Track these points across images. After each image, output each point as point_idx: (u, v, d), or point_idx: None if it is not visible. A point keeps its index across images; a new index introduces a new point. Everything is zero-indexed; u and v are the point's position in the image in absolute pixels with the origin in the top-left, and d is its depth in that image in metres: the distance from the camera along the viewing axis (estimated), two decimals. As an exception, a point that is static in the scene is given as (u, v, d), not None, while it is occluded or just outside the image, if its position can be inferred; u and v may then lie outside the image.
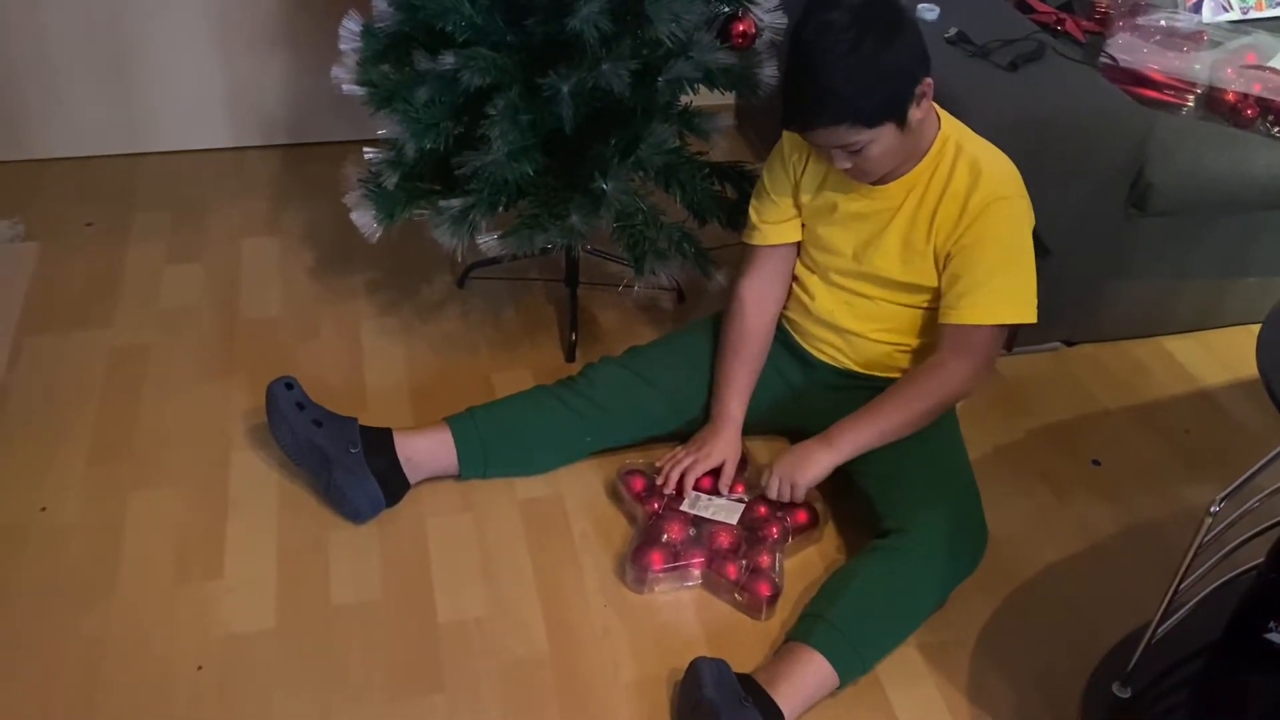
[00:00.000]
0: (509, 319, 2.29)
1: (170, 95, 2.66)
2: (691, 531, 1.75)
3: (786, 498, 1.75)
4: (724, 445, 1.82)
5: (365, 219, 1.94)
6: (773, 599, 1.68)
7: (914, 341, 1.79)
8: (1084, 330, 2.27)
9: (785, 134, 1.78)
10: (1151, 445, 2.07)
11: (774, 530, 1.76)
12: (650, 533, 1.74)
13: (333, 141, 2.78)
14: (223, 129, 2.75)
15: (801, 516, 1.80)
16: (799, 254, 1.85)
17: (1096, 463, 2.02)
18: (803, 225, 1.81)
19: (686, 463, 1.80)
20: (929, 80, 1.56)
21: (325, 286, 2.34)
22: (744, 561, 1.71)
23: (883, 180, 1.67)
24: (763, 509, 1.80)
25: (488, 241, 1.89)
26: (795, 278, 1.85)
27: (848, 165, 1.60)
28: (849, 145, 1.56)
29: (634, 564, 1.71)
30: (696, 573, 1.72)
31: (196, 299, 2.28)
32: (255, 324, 2.22)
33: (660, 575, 1.71)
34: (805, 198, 1.78)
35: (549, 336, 2.25)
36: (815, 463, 1.72)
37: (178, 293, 2.29)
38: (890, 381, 1.77)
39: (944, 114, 1.69)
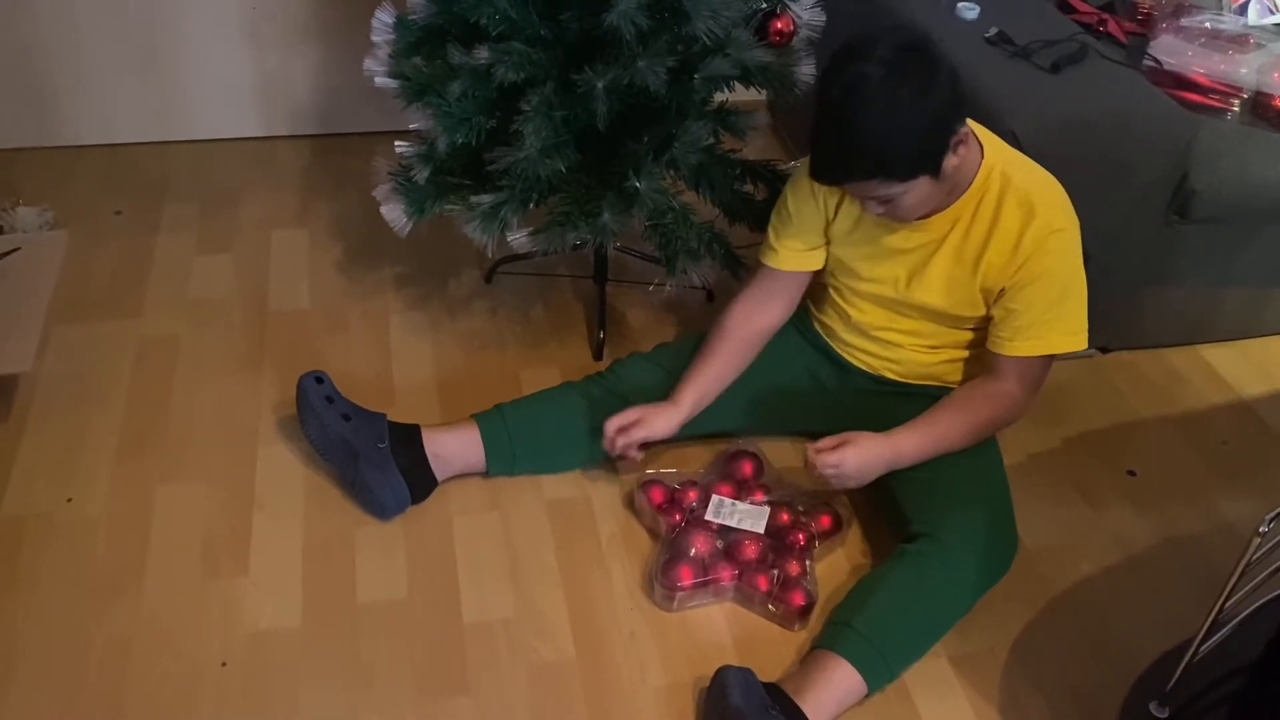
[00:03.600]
0: (537, 316, 2.27)
1: (202, 84, 2.65)
2: (718, 544, 1.73)
3: (831, 481, 1.63)
4: (652, 413, 1.74)
5: (395, 213, 1.93)
6: (807, 609, 1.66)
7: (957, 354, 1.76)
8: (1121, 337, 2.24)
9: None
10: (1188, 456, 2.04)
11: (800, 537, 1.73)
12: (676, 547, 1.71)
13: (363, 132, 2.77)
14: (253, 118, 2.74)
15: (825, 521, 1.78)
16: (835, 275, 1.79)
17: (1132, 473, 1.99)
18: (833, 254, 1.75)
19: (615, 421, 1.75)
20: (965, 129, 1.50)
21: (354, 280, 2.33)
22: (774, 572, 1.69)
23: (924, 215, 1.62)
24: (785, 515, 1.77)
25: (518, 238, 1.87)
26: (835, 289, 1.81)
27: (880, 211, 1.56)
28: (880, 197, 1.52)
29: (662, 581, 1.68)
30: (727, 586, 1.69)
31: (226, 290, 2.27)
32: (284, 316, 2.21)
33: (690, 591, 1.68)
34: (840, 232, 1.72)
35: (577, 334, 2.23)
36: (874, 471, 1.65)
37: (207, 283, 2.29)
38: (927, 389, 1.74)
39: (987, 137, 1.62)
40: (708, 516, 1.76)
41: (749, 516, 1.76)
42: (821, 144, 1.50)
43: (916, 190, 1.51)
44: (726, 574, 1.69)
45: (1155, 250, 2.07)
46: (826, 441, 1.63)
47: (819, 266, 1.77)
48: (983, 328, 1.70)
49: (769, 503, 1.79)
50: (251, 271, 2.33)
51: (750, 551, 1.71)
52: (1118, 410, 2.13)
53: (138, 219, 2.46)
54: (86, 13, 2.49)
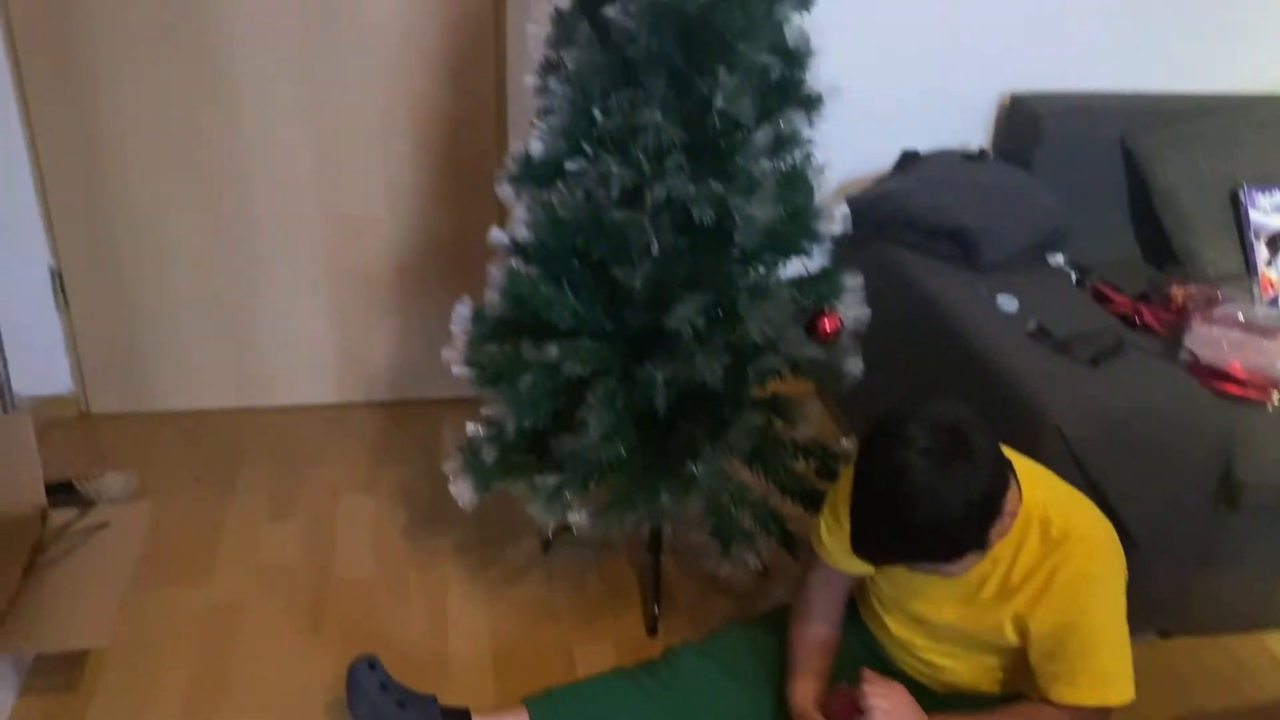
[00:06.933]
0: (592, 586, 2.31)
1: (286, 353, 2.81)
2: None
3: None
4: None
5: (463, 489, 2.01)
6: None
7: (998, 674, 1.74)
8: (1180, 622, 2.21)
9: None
10: (1258, 752, 1.98)
11: None
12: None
13: (431, 400, 2.90)
14: (330, 386, 2.89)
15: None
16: (876, 584, 1.80)
17: (1199, 769, 1.93)
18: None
19: None
20: (1008, 503, 1.50)
21: (416, 547, 2.39)
22: None
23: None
24: None
25: (579, 519, 1.93)
26: (878, 598, 1.81)
27: (926, 571, 1.58)
28: (925, 569, 1.56)
29: None
30: None
31: (293, 556, 2.34)
32: (347, 584, 2.27)
33: None
34: None
35: (631, 606, 2.26)
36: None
37: (275, 549, 2.36)
38: (977, 698, 1.70)
39: (1029, 473, 1.58)
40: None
41: None
42: (865, 528, 1.50)
43: (964, 563, 1.53)
44: None
45: (1207, 537, 2.08)
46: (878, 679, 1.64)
47: (868, 571, 1.76)
48: (1016, 649, 1.66)
49: None
50: (318, 538, 2.41)
51: None
52: (1177, 699, 2.08)
53: (214, 484, 2.57)
54: (187, 288, 2.68)
